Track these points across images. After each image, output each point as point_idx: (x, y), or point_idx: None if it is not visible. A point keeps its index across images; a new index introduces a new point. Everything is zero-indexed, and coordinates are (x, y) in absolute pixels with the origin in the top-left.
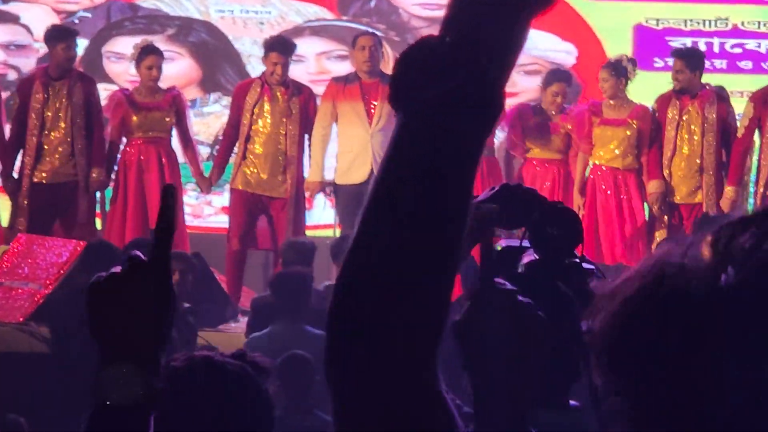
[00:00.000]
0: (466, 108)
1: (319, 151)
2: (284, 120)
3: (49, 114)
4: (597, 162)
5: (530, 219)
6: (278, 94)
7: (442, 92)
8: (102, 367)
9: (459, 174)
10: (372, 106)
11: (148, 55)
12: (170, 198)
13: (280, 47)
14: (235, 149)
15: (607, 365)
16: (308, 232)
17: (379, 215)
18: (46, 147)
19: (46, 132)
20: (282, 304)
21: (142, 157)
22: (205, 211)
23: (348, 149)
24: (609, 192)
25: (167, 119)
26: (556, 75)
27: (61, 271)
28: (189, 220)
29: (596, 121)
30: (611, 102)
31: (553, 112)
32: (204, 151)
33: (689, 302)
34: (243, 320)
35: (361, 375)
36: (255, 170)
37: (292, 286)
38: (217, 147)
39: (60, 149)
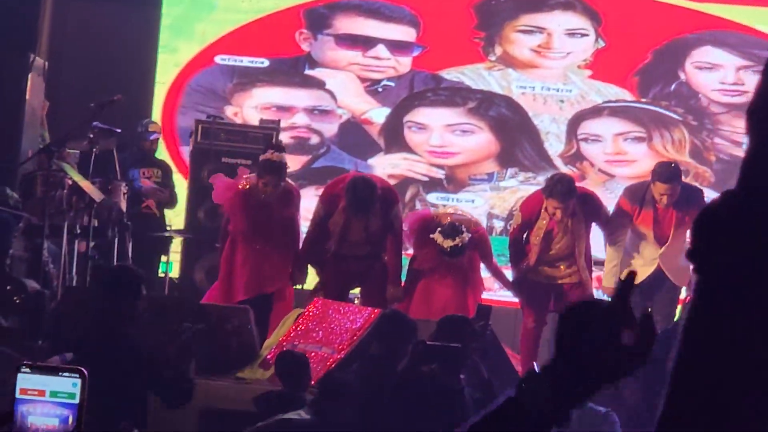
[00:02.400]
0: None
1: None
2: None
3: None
4: None
5: None
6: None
7: (741, 255)
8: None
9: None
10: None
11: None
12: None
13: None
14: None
15: None
16: None
17: (687, 378)
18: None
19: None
20: None
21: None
22: (495, 285)
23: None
24: None
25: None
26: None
27: (354, 338)
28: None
29: None
30: None
31: None
32: (498, 225)
33: None
34: None
35: None
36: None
37: None
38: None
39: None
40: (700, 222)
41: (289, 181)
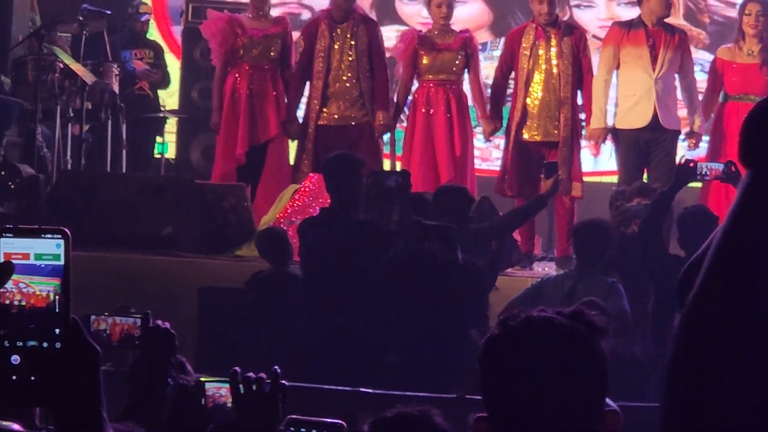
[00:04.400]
0: None
1: (603, 97)
2: (556, 62)
3: (335, 58)
4: None
5: None
6: (551, 35)
7: None
8: None
9: None
10: (657, 52)
11: None
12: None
13: None
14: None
15: None
16: (593, 178)
17: (728, 267)
18: (331, 90)
19: (333, 75)
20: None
21: (431, 99)
22: (493, 154)
23: (631, 93)
24: None
25: (458, 61)
26: None
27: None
28: (477, 164)
29: None
30: None
31: None
32: None
33: None
34: (536, 266)
35: None
36: (532, 122)
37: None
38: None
39: (346, 93)
40: (755, 120)
41: None
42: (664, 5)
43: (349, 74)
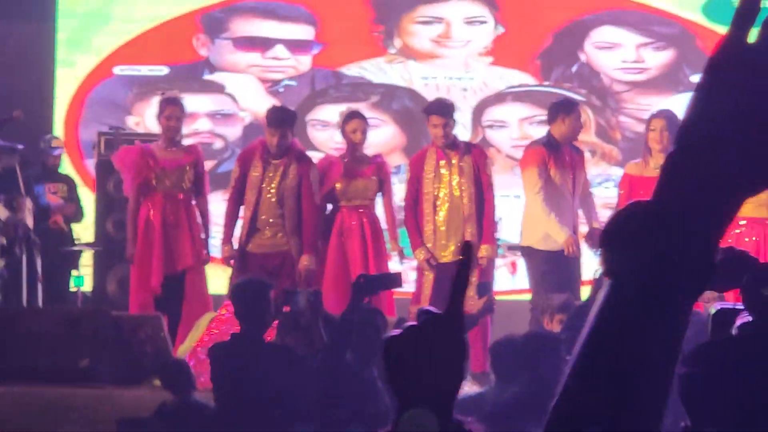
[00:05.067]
0: (675, 275)
1: (546, 212)
2: (458, 181)
3: (266, 190)
4: None
5: (742, 280)
6: (452, 156)
7: (652, 259)
8: (400, 413)
9: (667, 338)
10: (574, 173)
11: (352, 119)
12: (468, 252)
13: (438, 110)
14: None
15: None
16: (511, 296)
17: (587, 375)
18: (261, 220)
19: (262, 207)
20: None
21: (345, 224)
22: (410, 276)
23: (554, 212)
24: None
25: (371, 187)
26: None
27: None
28: None
29: None
30: None
31: None
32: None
33: None
34: None
35: None
36: (444, 242)
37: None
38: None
39: (274, 225)
40: (613, 230)
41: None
42: (579, 128)
43: (278, 209)
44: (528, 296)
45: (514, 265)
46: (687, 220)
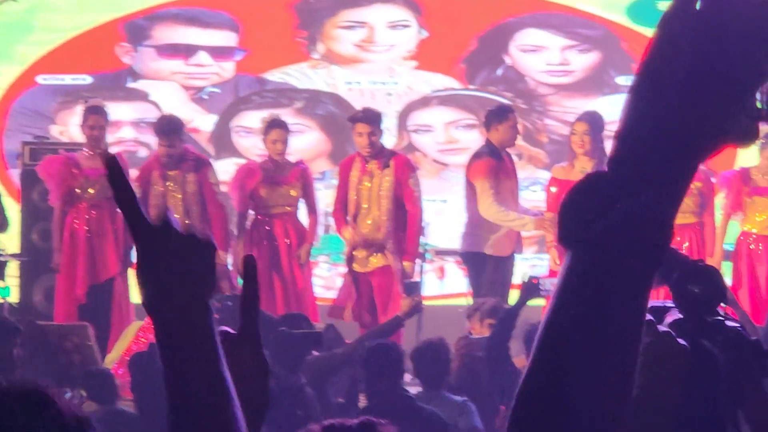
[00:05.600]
0: (633, 245)
1: (505, 213)
2: (379, 193)
3: (170, 203)
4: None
5: (672, 278)
6: (374, 166)
7: (609, 229)
8: None
9: (629, 311)
10: (514, 180)
11: (273, 129)
12: (250, 267)
13: (363, 118)
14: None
15: None
16: (438, 301)
17: (551, 351)
18: None
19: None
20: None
21: (269, 231)
22: (337, 282)
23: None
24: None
25: (294, 193)
26: None
27: None
28: (321, 292)
29: (746, 190)
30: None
31: None
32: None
33: None
34: None
35: None
36: (365, 254)
37: None
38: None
39: None
40: (570, 201)
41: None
42: (515, 134)
43: (186, 220)
44: (456, 301)
45: (442, 269)
46: (642, 191)
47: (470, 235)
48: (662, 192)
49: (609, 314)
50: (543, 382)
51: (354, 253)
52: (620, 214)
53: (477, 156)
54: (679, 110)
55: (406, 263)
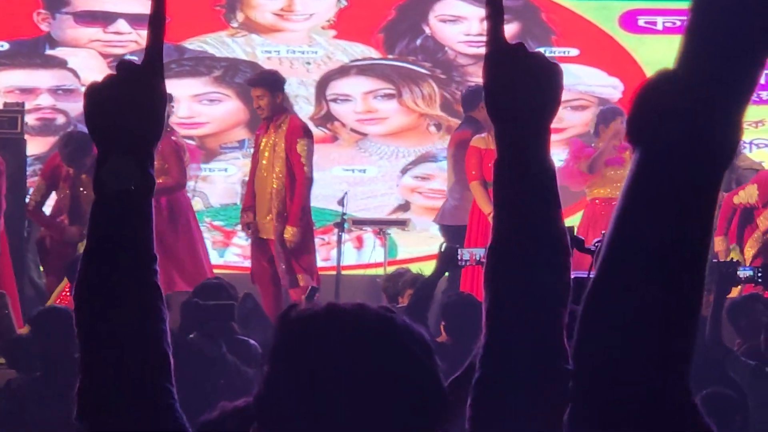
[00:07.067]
0: (703, 144)
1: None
2: (269, 156)
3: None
4: None
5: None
6: (271, 129)
7: (679, 129)
8: (102, 163)
9: (698, 209)
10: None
11: None
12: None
13: (255, 82)
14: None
15: None
16: (354, 271)
17: (623, 250)
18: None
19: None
20: None
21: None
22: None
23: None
24: None
25: (166, 165)
26: (617, 111)
27: None
28: (239, 261)
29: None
30: None
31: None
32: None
33: None
34: None
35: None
36: (259, 218)
37: None
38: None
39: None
40: (639, 98)
41: None
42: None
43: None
44: (374, 271)
45: (360, 239)
46: (712, 87)
47: (455, 208)
48: (730, 93)
49: (681, 208)
50: (616, 279)
51: (257, 218)
52: (691, 112)
53: (469, 139)
54: (743, 6)
55: (288, 228)
